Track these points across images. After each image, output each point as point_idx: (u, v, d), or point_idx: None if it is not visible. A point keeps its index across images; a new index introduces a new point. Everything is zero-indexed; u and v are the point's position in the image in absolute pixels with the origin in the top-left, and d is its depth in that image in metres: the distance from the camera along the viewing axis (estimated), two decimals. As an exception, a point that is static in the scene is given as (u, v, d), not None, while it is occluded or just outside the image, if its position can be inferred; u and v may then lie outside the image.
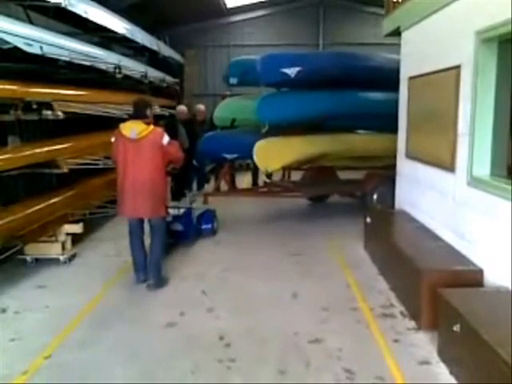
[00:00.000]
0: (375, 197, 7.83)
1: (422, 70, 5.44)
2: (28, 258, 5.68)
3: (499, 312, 3.28)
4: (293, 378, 3.38)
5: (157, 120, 6.15)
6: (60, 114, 6.26)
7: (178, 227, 6.31)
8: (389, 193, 7.61)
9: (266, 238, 6.96)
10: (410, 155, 5.98)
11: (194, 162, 8.21)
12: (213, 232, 6.92)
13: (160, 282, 5.05)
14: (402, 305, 4.51)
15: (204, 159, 8.36)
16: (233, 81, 8.31)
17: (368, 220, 6.18)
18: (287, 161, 7.01)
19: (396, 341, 3.88)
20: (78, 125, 7.18)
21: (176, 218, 6.27)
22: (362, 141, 7.92)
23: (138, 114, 5.02)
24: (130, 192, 4.92)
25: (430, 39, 5.24)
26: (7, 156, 5.43)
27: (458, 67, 4.41)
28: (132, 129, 4.89)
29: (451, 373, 3.36)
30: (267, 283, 5.17)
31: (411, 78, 5.84)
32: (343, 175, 9.10)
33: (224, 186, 8.66)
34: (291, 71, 6.63)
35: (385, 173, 8.16)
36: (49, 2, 6.02)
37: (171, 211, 6.06)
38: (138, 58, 11.13)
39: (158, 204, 5.02)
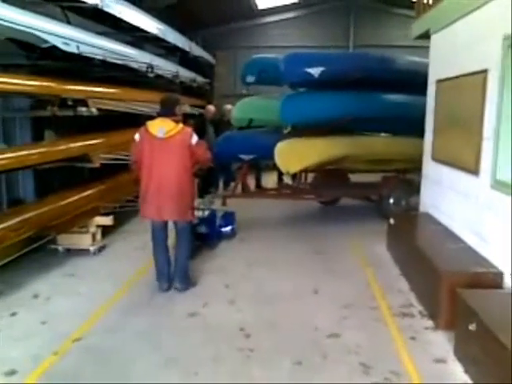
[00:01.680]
0: (392, 200, 7.84)
1: (449, 73, 5.46)
2: (60, 248, 5.94)
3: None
4: (309, 369, 3.48)
5: (186, 118, 6.10)
6: (94, 110, 6.52)
7: (203, 230, 6.19)
8: (405, 196, 7.83)
9: (287, 237, 6.98)
10: (436, 158, 5.99)
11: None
12: (233, 234, 6.81)
13: (187, 286, 4.92)
14: (421, 305, 4.56)
15: (220, 160, 7.98)
16: (250, 79, 8.15)
17: (391, 221, 6.23)
18: (309, 162, 6.91)
19: (413, 338, 3.95)
20: (110, 121, 7.43)
21: (201, 220, 6.15)
22: (382, 144, 7.87)
23: (167, 112, 4.81)
24: (156, 193, 4.70)
25: (459, 43, 5.26)
26: (44, 150, 5.71)
27: (485, 71, 4.43)
28: (160, 127, 4.68)
29: (466, 371, 3.42)
30: (289, 279, 5.28)
31: (439, 81, 5.86)
32: (354, 178, 9.07)
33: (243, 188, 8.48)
34: (315, 71, 6.58)
35: (401, 176, 8.34)
36: (86, 2, 6.25)
37: (196, 213, 5.90)
38: (169, 57, 11.38)
39: (184, 207, 4.81)
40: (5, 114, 6.49)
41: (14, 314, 4.34)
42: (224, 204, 7.52)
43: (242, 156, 7.50)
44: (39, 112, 6.24)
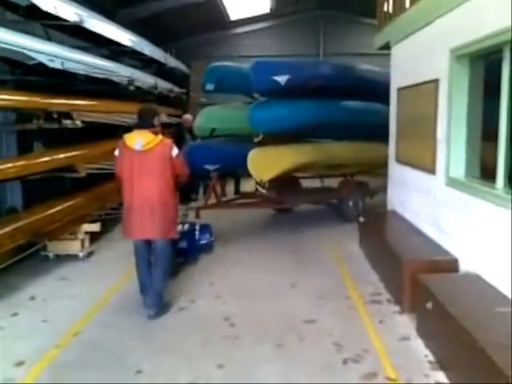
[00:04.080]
0: (351, 203, 8.22)
1: (407, 82, 5.99)
2: (50, 255, 6.24)
3: (466, 292, 3.81)
4: (288, 350, 3.91)
5: (164, 128, 5.77)
6: (78, 122, 6.85)
7: (183, 245, 5.99)
8: (361, 199, 8.34)
9: (263, 241, 7.23)
10: (399, 160, 6.51)
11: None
12: (210, 247, 6.61)
13: (161, 310, 4.60)
14: (389, 293, 5.03)
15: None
16: (209, 87, 7.95)
17: (361, 219, 6.72)
18: (280, 170, 6.90)
19: (381, 322, 4.40)
20: (94, 132, 7.76)
21: (182, 234, 5.86)
22: (343, 149, 8.02)
23: (144, 123, 4.57)
24: (138, 210, 4.46)
25: (415, 54, 5.80)
26: (32, 161, 6.02)
27: (436, 81, 4.96)
28: (137, 139, 4.43)
29: (427, 346, 3.88)
30: (268, 276, 5.68)
31: (399, 89, 6.39)
32: (305, 183, 9.32)
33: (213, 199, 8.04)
34: (281, 79, 6.70)
35: (357, 180, 8.84)
36: (68, 20, 6.59)
37: (178, 228, 5.62)
38: (146, 69, 11.74)
39: (168, 224, 4.58)
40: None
41: (15, 314, 4.66)
42: (197, 216, 7.18)
43: (207, 166, 7.28)
44: (25, 125, 6.54)
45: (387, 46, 7.02)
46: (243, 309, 4.74)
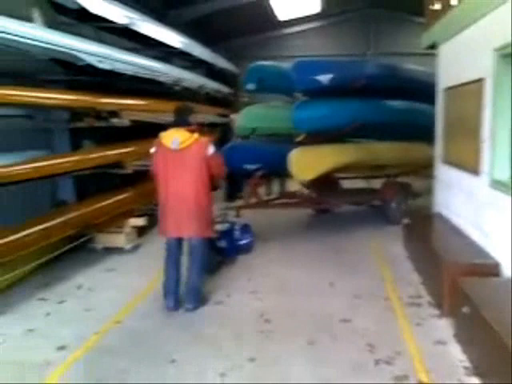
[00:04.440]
0: (394, 205, 8.03)
1: (454, 81, 5.83)
2: (98, 247, 6.51)
3: (504, 298, 3.68)
4: (320, 347, 3.92)
5: (201, 127, 5.69)
6: (126, 121, 7.11)
7: (223, 244, 5.98)
8: (404, 200, 8.08)
9: (303, 240, 7.17)
10: (445, 161, 6.35)
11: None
12: (250, 248, 6.54)
13: (198, 305, 4.69)
14: (430, 295, 4.93)
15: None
16: (250, 87, 7.91)
17: (405, 221, 6.60)
18: (322, 170, 6.81)
19: (418, 324, 4.33)
20: (140, 131, 8.01)
21: (221, 234, 5.95)
22: (386, 150, 7.79)
23: (180, 122, 4.59)
24: (173, 209, 4.51)
25: (460, 53, 5.65)
26: (82, 157, 6.31)
27: (481, 80, 4.81)
28: (174, 138, 4.46)
29: (463, 352, 3.78)
30: (307, 274, 5.69)
31: (446, 90, 6.24)
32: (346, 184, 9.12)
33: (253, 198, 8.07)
34: (324, 78, 6.60)
35: (401, 181, 8.56)
36: (117, 23, 6.85)
37: (218, 227, 5.83)
38: (196, 70, 11.98)
39: (203, 222, 4.61)
40: (46, 125, 7.10)
41: (61, 302, 4.93)
42: (238, 215, 7.20)
43: (247, 166, 7.26)
44: (77, 123, 6.85)
45: (433, 46, 6.87)
46: (279, 305, 4.78)
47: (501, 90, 4.39)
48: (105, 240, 6.53)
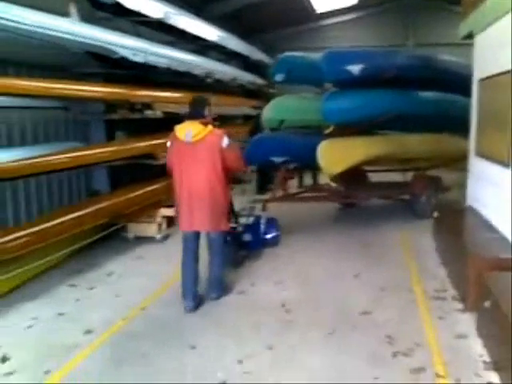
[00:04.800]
0: (424, 199, 7.84)
1: (488, 72, 5.69)
2: (130, 235, 6.72)
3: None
4: (340, 338, 3.94)
5: (214, 120, 5.12)
6: (159, 113, 7.27)
7: (248, 237, 5.87)
8: (434, 194, 7.88)
9: (330, 232, 7.22)
10: (478, 153, 6.21)
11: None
12: (276, 242, 6.43)
13: (222, 294, 4.76)
14: (455, 289, 4.86)
15: (251, 163, 7.63)
16: (278, 78, 7.75)
17: (435, 214, 6.50)
18: (351, 162, 6.70)
19: (440, 318, 4.29)
20: (173, 123, 8.16)
21: (246, 227, 5.87)
22: (417, 142, 7.61)
23: (195, 114, 4.50)
24: (187, 202, 4.44)
25: (495, 44, 5.49)
26: (116, 148, 6.51)
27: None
28: (187, 130, 4.38)
29: (484, 346, 3.73)
30: (332, 266, 5.70)
31: (480, 81, 6.09)
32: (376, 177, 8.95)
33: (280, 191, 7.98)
34: (355, 68, 6.45)
35: (431, 175, 8.32)
36: (151, 17, 7.01)
37: (242, 220, 5.88)
38: (232, 62, 12.07)
39: (218, 216, 4.52)
40: (82, 117, 7.36)
41: (91, 288, 5.13)
42: (264, 209, 7.16)
43: (274, 158, 7.10)
44: (111, 115, 7.07)
45: (470, 36, 6.69)
46: (301, 295, 4.84)
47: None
48: (136, 229, 6.74)
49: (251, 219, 6.10)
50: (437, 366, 3.49)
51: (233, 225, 5.48)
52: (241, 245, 5.72)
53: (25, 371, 3.54)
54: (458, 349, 3.74)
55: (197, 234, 4.61)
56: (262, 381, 3.36)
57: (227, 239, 5.22)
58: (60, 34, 5.31)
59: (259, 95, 13.55)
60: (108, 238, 6.36)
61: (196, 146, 4.36)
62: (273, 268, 5.63)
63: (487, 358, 3.56)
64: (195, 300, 4.55)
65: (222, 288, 4.79)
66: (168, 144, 4.59)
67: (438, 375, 3.38)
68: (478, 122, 6.31)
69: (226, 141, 4.44)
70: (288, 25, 16.27)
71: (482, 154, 5.96)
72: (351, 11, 16.29)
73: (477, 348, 3.73)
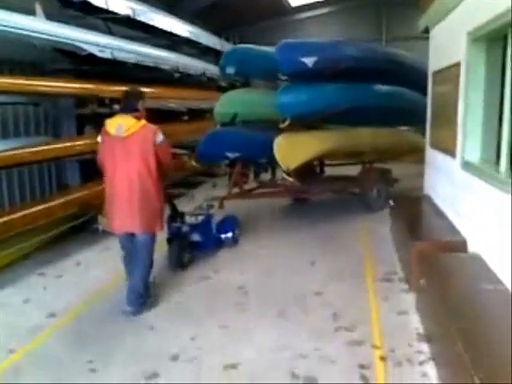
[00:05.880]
0: (375, 192, 7.85)
1: (439, 65, 6.00)
2: (99, 227, 6.90)
3: (458, 271, 3.93)
4: (289, 318, 4.22)
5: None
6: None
7: (196, 238, 5.61)
8: (385, 187, 7.90)
9: (289, 226, 7.29)
10: (432, 145, 6.53)
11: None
12: (234, 241, 6.21)
13: (139, 310, 4.31)
14: (403, 272, 5.17)
15: (204, 159, 7.45)
16: (229, 70, 7.47)
17: (391, 203, 6.79)
18: (308, 156, 6.63)
19: (386, 298, 4.58)
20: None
21: (193, 227, 5.57)
22: (370, 136, 7.53)
23: (127, 107, 4.23)
24: (118, 201, 4.17)
25: (444, 38, 5.81)
26: (85, 142, 6.71)
27: (457, 64, 4.98)
28: (118, 125, 4.11)
29: (421, 321, 4.03)
30: (291, 255, 5.93)
31: (434, 73, 6.40)
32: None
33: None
34: (309, 60, 6.28)
35: (381, 168, 8.36)
36: (119, 14, 7.19)
37: (188, 219, 5.60)
38: (204, 57, 12.25)
39: (150, 217, 4.23)
40: (53, 112, 7.54)
41: (59, 277, 5.37)
42: (221, 206, 7.00)
43: (228, 154, 6.92)
44: (81, 110, 7.26)
45: (427, 31, 7.00)
46: (258, 280, 5.11)
47: (473, 75, 4.55)
48: (106, 221, 6.91)
49: (200, 218, 5.72)
50: (375, 338, 3.79)
51: (176, 224, 5.42)
52: (188, 245, 5.51)
53: (-10, 351, 3.77)
54: (397, 324, 4.05)
55: (132, 235, 4.33)
56: (211, 355, 3.63)
57: (171, 240, 5.32)
58: (25, 32, 5.49)
59: (234, 89, 13.73)
60: (79, 229, 6.58)
61: (128, 141, 4.10)
62: (235, 259, 5.84)
63: (421, 331, 3.86)
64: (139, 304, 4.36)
65: (140, 302, 4.32)
66: (99, 139, 4.33)
67: (374, 346, 3.68)
68: (431, 114, 6.63)
69: (160, 137, 4.20)
70: (265, 19, 16.49)
71: (436, 146, 6.28)
72: (325, 5, 16.58)
73: (414, 323, 4.04)
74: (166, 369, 3.47)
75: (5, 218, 5.31)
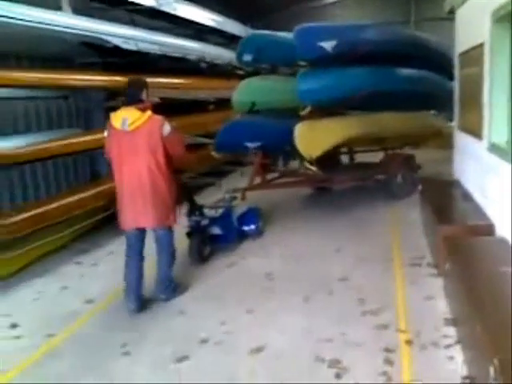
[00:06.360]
0: (399, 179, 7.57)
1: (464, 47, 5.90)
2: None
3: (485, 255, 3.91)
4: (315, 303, 4.29)
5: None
6: (156, 99, 7.56)
7: (216, 231, 5.53)
8: (410, 173, 7.64)
9: (317, 214, 7.25)
10: (460, 128, 6.44)
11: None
12: (258, 233, 6.12)
13: (171, 296, 4.43)
14: (431, 257, 5.15)
15: (223, 149, 7.33)
16: (247, 58, 7.22)
17: (420, 187, 6.74)
18: (331, 144, 6.40)
19: (413, 283, 4.59)
20: (173, 109, 8.48)
21: (213, 220, 5.49)
22: (393, 120, 7.21)
23: (131, 99, 4.09)
24: (128, 197, 4.08)
25: (469, 18, 5.70)
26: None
27: (482, 45, 4.89)
28: (124, 118, 3.98)
29: (448, 305, 4.03)
30: (317, 243, 5.94)
31: (459, 55, 6.29)
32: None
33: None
34: (328, 45, 6.08)
35: (404, 153, 8.10)
36: (143, 5, 7.28)
37: (207, 212, 5.52)
38: (230, 46, 12.28)
39: (162, 211, 4.15)
40: (85, 105, 7.72)
41: (94, 265, 5.60)
42: (243, 198, 6.80)
43: (248, 144, 6.76)
44: (111, 102, 7.40)
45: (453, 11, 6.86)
46: (285, 268, 5.17)
47: (497, 55, 4.47)
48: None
49: (219, 211, 5.68)
50: (401, 322, 3.82)
51: (195, 218, 5.33)
52: (208, 239, 5.47)
53: (31, 335, 3.99)
54: (424, 308, 4.05)
55: (141, 232, 4.28)
56: (238, 338, 3.73)
57: (191, 233, 5.29)
58: (52, 27, 5.65)
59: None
60: (112, 219, 6.75)
61: (134, 135, 3.98)
62: (261, 247, 5.89)
63: (449, 316, 3.86)
64: (138, 301, 4.26)
65: (171, 289, 4.45)
66: (105, 134, 4.23)
67: (400, 330, 3.70)
68: (459, 97, 6.53)
69: (167, 128, 4.09)
70: (288, 5, 16.37)
71: (464, 129, 6.19)
72: (352, -11, 16.35)
73: (441, 307, 4.03)
74: (195, 352, 3.59)
75: (40, 209, 5.51)
